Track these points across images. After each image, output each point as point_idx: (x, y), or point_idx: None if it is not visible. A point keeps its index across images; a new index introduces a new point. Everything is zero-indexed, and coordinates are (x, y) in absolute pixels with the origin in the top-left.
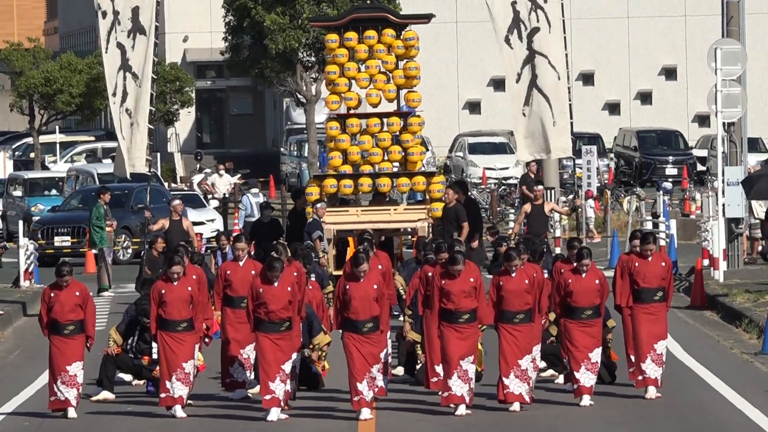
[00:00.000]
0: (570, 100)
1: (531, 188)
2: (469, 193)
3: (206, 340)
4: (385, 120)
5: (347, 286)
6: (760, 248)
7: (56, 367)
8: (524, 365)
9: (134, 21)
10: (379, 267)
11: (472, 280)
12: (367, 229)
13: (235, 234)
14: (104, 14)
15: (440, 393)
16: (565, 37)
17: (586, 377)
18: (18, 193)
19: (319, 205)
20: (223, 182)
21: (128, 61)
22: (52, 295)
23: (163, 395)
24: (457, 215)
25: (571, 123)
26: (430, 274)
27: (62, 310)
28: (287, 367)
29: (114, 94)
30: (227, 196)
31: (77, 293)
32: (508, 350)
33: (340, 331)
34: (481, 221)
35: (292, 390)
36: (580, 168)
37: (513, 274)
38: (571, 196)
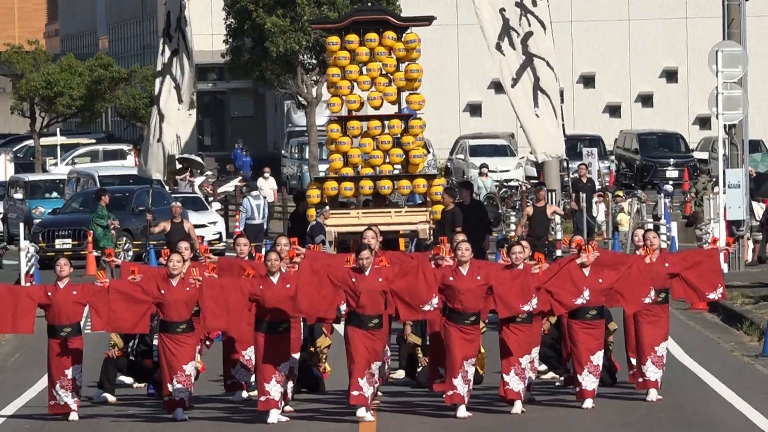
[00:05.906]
0: (562, 102)
1: (591, 193)
2: (474, 195)
3: (207, 342)
4: (386, 122)
5: (353, 280)
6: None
7: (55, 371)
8: (524, 364)
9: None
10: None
11: (478, 278)
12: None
13: (236, 236)
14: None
15: (445, 393)
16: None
17: (589, 380)
18: (19, 195)
19: (324, 209)
20: (269, 185)
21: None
22: (49, 293)
23: (165, 398)
24: (454, 219)
25: (563, 125)
26: None
27: (59, 313)
28: (284, 368)
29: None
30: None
31: (74, 292)
32: (511, 347)
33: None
34: (489, 223)
35: (289, 390)
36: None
37: None
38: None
